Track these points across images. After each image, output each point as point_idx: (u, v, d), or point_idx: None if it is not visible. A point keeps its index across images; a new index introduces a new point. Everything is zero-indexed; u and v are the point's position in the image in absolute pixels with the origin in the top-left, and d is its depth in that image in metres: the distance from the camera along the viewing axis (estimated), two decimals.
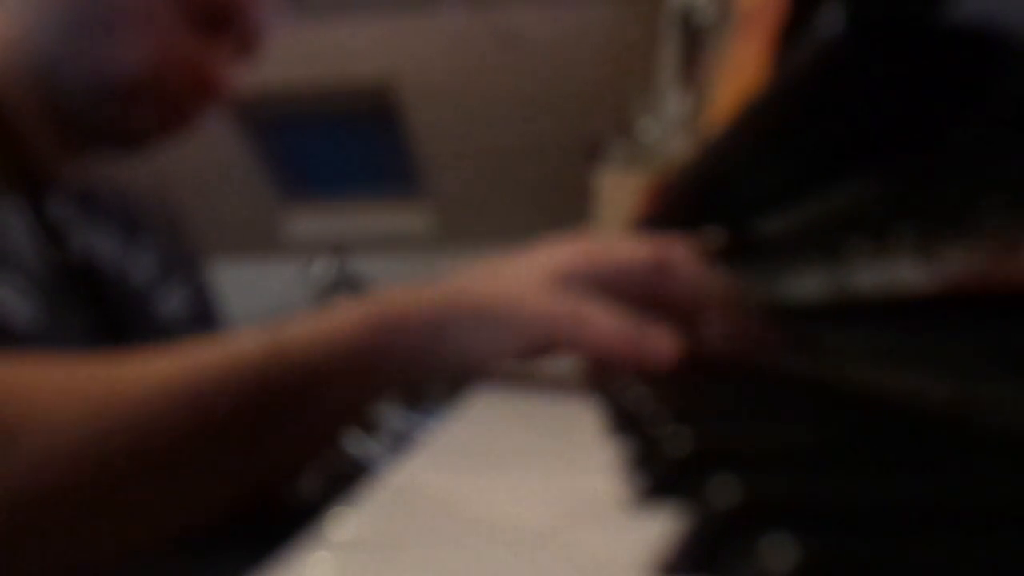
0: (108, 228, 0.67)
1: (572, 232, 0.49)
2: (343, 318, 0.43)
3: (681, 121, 1.35)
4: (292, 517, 0.37)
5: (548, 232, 0.51)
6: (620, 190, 1.95)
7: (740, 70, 0.61)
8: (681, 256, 0.47)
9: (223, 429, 0.41)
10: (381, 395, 0.45)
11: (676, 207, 0.78)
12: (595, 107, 3.20)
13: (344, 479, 0.64)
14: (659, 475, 0.21)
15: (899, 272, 0.36)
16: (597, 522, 0.19)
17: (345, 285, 3.53)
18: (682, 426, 0.24)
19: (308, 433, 0.44)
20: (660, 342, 0.42)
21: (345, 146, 3.80)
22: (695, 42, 1.36)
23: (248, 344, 0.42)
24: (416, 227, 3.93)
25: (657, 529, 0.18)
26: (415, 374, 0.45)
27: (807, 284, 0.48)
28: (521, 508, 0.21)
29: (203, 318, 0.73)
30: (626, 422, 0.31)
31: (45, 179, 0.61)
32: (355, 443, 0.69)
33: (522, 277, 0.44)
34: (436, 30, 3.20)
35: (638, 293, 0.46)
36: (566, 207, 3.35)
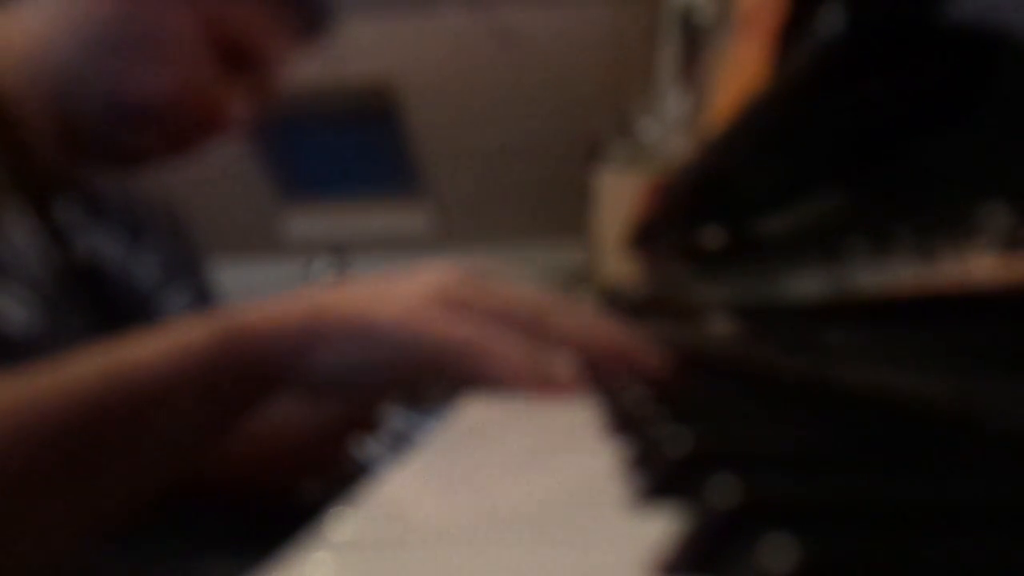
0: (112, 231, 0.67)
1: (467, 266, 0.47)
2: (188, 335, 0.41)
3: (681, 121, 1.35)
4: (292, 517, 0.37)
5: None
6: (620, 190, 1.95)
7: (740, 70, 0.61)
8: (561, 312, 0.43)
9: (63, 458, 0.40)
10: (239, 414, 0.43)
11: (676, 207, 0.78)
12: (595, 107, 3.20)
13: (344, 479, 0.64)
14: (659, 475, 0.21)
15: (899, 272, 0.36)
16: (597, 522, 0.19)
17: None
18: (682, 426, 0.24)
19: (156, 458, 0.43)
20: (562, 375, 0.39)
21: (345, 146, 3.80)
22: (695, 42, 1.36)
23: (86, 367, 0.41)
24: (416, 227, 3.93)
25: (657, 529, 0.18)
26: (275, 391, 0.42)
27: (807, 284, 0.48)
28: (520, 508, 0.21)
29: None
30: (626, 422, 0.31)
31: (50, 183, 0.61)
32: (355, 443, 0.69)
33: (407, 295, 0.41)
34: (436, 30, 3.20)
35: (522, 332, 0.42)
36: (566, 207, 3.35)
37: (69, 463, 0.41)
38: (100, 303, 0.61)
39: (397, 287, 0.42)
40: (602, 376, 0.43)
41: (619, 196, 1.92)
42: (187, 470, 0.45)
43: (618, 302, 1.33)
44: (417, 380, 0.42)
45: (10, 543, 0.40)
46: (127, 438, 0.41)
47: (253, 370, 0.41)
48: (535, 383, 0.39)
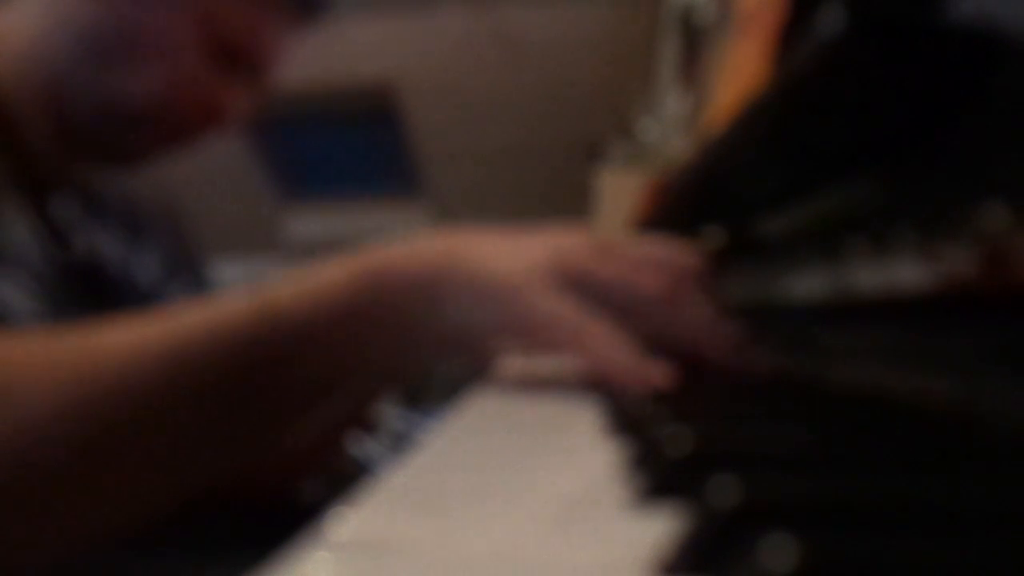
0: (112, 229, 0.67)
1: (579, 226, 0.47)
2: (329, 276, 0.42)
3: (681, 121, 1.35)
4: (292, 517, 0.37)
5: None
6: (620, 190, 1.95)
7: (740, 70, 0.61)
8: (690, 298, 0.44)
9: (210, 391, 0.41)
10: (370, 362, 0.44)
11: (676, 207, 0.78)
12: (595, 107, 3.20)
13: (344, 479, 0.64)
14: (659, 475, 0.21)
15: (899, 272, 0.36)
16: (597, 522, 0.19)
17: None
18: (682, 426, 0.24)
19: (296, 396, 0.43)
20: (657, 378, 0.39)
21: (345, 146, 3.80)
22: (695, 42, 1.36)
23: (233, 305, 0.42)
24: (416, 227, 3.93)
25: (657, 529, 0.18)
26: (404, 340, 0.43)
27: (807, 284, 0.48)
28: (520, 508, 0.21)
29: None
30: (626, 422, 0.31)
31: (48, 181, 0.62)
32: (355, 443, 0.69)
33: (526, 260, 0.42)
34: (436, 30, 3.20)
35: (639, 323, 0.43)
36: (566, 207, 3.35)
37: (213, 404, 0.41)
38: (100, 300, 0.62)
39: (523, 246, 0.43)
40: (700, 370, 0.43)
41: (619, 196, 1.92)
42: (317, 420, 0.46)
43: None
44: (519, 344, 0.43)
45: (146, 482, 0.41)
46: (273, 377, 0.42)
47: (387, 314, 0.42)
48: (624, 380, 0.40)
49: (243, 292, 0.42)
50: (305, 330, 0.41)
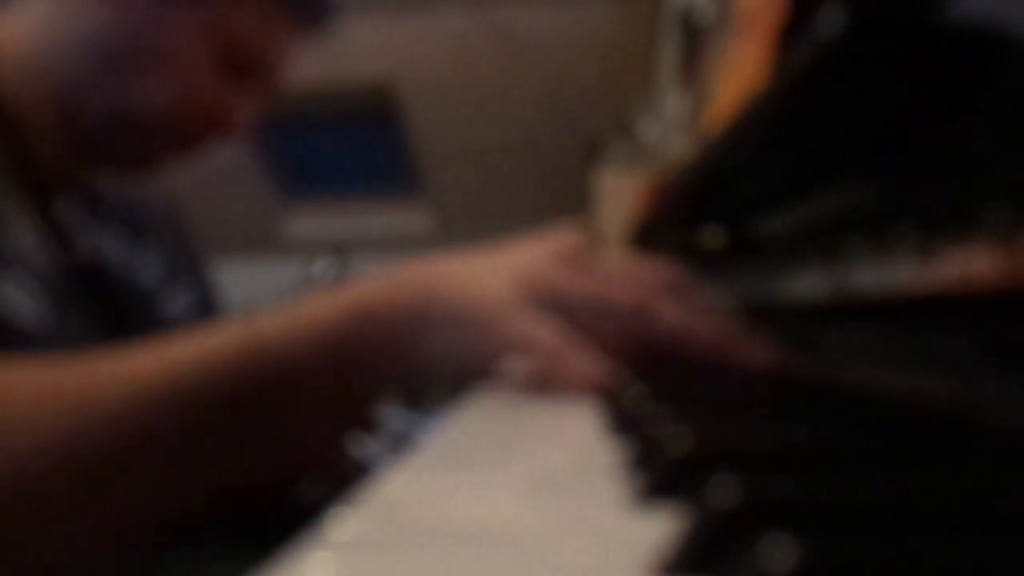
0: (115, 230, 0.67)
1: (557, 226, 0.47)
2: (319, 310, 0.43)
3: (681, 121, 1.35)
4: (292, 517, 0.37)
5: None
6: (620, 190, 1.95)
7: (740, 70, 0.61)
8: (665, 302, 0.45)
9: (201, 424, 0.41)
10: (360, 390, 0.45)
11: (676, 207, 0.78)
12: (595, 107, 3.20)
13: (344, 479, 0.64)
14: (659, 475, 0.21)
15: (899, 272, 0.36)
16: (596, 522, 0.19)
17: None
18: (682, 426, 0.24)
19: (288, 427, 0.44)
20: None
21: (345, 146, 3.80)
22: (695, 42, 1.36)
23: (225, 338, 0.42)
24: (416, 227, 3.93)
25: (657, 529, 0.18)
26: (393, 369, 0.44)
27: (807, 284, 0.48)
28: (520, 508, 0.21)
29: (208, 320, 0.74)
30: (626, 422, 0.31)
31: (54, 183, 0.62)
32: (355, 443, 0.69)
33: (500, 283, 0.43)
34: (436, 30, 3.20)
35: (613, 332, 0.44)
36: (566, 207, 3.35)
37: (205, 434, 0.41)
38: (104, 302, 0.62)
39: (496, 268, 0.44)
40: (699, 368, 0.44)
41: (619, 196, 1.92)
42: (309, 458, 0.47)
43: None
44: (493, 370, 0.43)
45: (140, 505, 0.41)
46: (261, 408, 0.42)
47: (376, 347, 0.43)
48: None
49: (234, 323, 0.43)
50: (291, 366, 0.42)
